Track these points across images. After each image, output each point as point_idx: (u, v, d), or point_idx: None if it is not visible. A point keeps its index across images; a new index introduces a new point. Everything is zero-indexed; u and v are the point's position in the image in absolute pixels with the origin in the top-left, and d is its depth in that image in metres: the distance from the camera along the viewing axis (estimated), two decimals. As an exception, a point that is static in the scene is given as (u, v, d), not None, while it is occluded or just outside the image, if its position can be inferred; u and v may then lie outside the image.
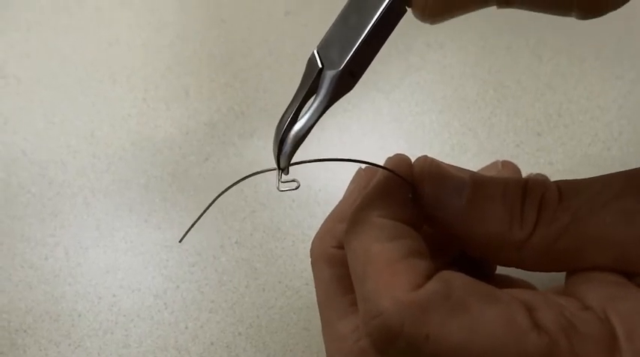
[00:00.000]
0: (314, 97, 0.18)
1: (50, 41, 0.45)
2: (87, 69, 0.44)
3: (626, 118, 0.39)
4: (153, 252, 0.35)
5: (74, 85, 0.43)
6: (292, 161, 0.19)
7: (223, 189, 0.22)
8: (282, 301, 0.33)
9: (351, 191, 0.24)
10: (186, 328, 0.32)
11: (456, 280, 0.17)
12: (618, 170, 0.36)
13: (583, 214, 0.18)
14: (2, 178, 0.38)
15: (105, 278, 0.34)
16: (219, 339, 0.32)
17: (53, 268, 0.34)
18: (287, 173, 0.20)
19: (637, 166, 0.36)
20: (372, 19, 0.17)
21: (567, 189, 0.19)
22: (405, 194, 0.20)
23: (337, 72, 0.18)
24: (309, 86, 0.19)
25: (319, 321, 0.32)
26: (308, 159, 0.20)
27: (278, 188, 0.20)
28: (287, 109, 0.19)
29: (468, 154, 0.38)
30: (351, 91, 0.41)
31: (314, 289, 0.32)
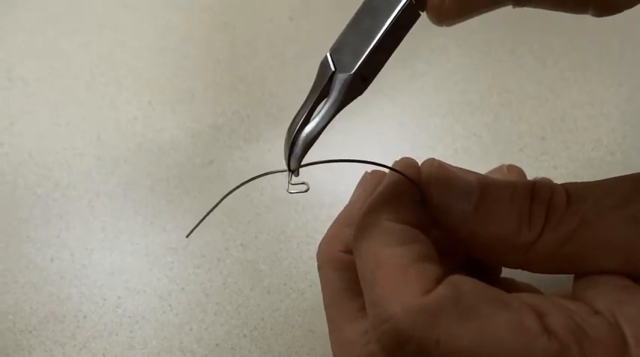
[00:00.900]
0: (325, 100, 0.19)
1: (56, 44, 0.46)
2: (93, 72, 0.44)
3: (629, 123, 0.39)
4: (158, 254, 0.35)
5: (80, 88, 0.43)
6: (302, 163, 0.20)
7: (233, 187, 0.22)
8: (287, 304, 0.33)
9: (358, 195, 0.24)
10: (191, 329, 0.32)
11: (466, 284, 0.17)
12: (622, 175, 0.37)
13: (591, 218, 0.18)
14: (8, 180, 0.38)
15: (110, 280, 0.34)
16: (224, 341, 0.32)
17: (59, 269, 0.35)
18: (297, 175, 0.20)
19: (640, 171, 0.37)
20: (385, 23, 0.17)
21: (575, 192, 0.19)
22: (413, 197, 0.20)
23: (349, 76, 0.18)
24: (322, 89, 0.19)
25: (324, 323, 0.32)
26: (318, 160, 0.20)
27: (288, 190, 0.20)
28: (299, 112, 0.19)
29: (472, 158, 0.38)
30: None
31: (319, 291, 0.32)
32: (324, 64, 0.19)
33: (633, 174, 0.19)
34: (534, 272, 0.20)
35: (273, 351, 0.31)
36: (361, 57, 0.18)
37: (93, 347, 0.32)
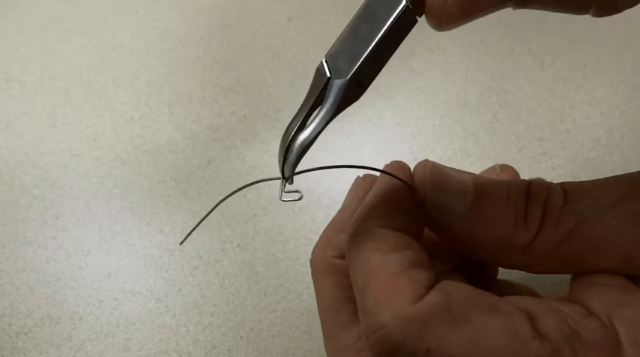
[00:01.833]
0: (320, 105, 0.18)
1: (54, 45, 0.46)
2: (90, 73, 0.44)
3: (627, 123, 0.39)
4: (155, 255, 0.35)
5: (77, 90, 0.43)
6: (296, 170, 0.19)
7: (225, 195, 0.22)
8: (284, 305, 0.33)
9: (350, 200, 0.24)
10: (188, 331, 0.32)
11: (457, 291, 0.17)
12: (619, 174, 0.36)
13: (588, 217, 0.18)
14: (5, 181, 0.38)
15: (106, 281, 0.34)
16: (220, 343, 0.32)
17: (55, 271, 0.34)
18: (291, 183, 0.20)
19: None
20: (381, 29, 0.17)
21: (572, 191, 0.18)
22: (406, 201, 0.20)
23: (344, 81, 0.18)
24: (317, 95, 0.19)
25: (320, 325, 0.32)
26: (312, 167, 0.20)
27: (280, 198, 0.20)
28: (294, 118, 0.19)
29: (470, 158, 0.38)
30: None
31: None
32: (319, 70, 0.19)
33: (630, 173, 0.19)
34: (532, 272, 0.20)
35: (269, 353, 0.31)
36: (357, 62, 0.17)
37: (89, 349, 0.32)
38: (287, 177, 0.19)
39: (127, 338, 0.32)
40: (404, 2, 0.17)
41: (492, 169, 0.26)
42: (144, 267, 0.34)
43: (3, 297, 0.33)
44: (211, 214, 0.36)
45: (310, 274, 0.33)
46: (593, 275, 0.18)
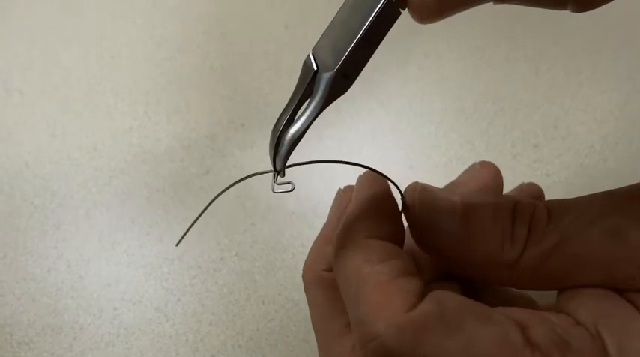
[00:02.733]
0: (309, 99, 0.19)
1: (53, 55, 0.46)
2: (89, 82, 0.44)
3: (622, 129, 0.39)
4: (154, 264, 0.35)
5: (77, 99, 0.43)
6: (288, 164, 0.20)
7: (224, 193, 0.22)
8: (282, 313, 0.33)
9: (334, 213, 0.25)
10: (187, 340, 0.33)
11: (449, 299, 0.18)
12: (615, 181, 0.37)
13: (571, 234, 0.18)
14: (5, 191, 0.39)
15: (106, 291, 0.34)
16: (219, 351, 0.32)
17: (55, 280, 0.35)
18: (283, 175, 0.20)
19: (633, 177, 0.37)
20: (365, 21, 0.17)
21: (555, 209, 0.19)
22: (389, 207, 0.21)
23: (331, 74, 0.18)
24: (305, 88, 0.19)
25: (319, 333, 0.32)
26: (303, 161, 0.20)
27: (273, 190, 0.20)
28: (283, 112, 0.20)
29: (465, 165, 0.38)
30: (350, 102, 0.41)
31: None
32: (306, 63, 0.19)
33: (610, 190, 0.19)
34: (519, 288, 0.20)
35: (268, 361, 0.32)
36: (343, 55, 0.18)
37: (90, 358, 0.32)
38: (279, 170, 0.20)
39: (127, 347, 0.32)
40: None
41: (472, 167, 0.26)
42: (143, 276, 0.35)
43: (4, 307, 0.34)
44: (210, 222, 0.37)
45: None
46: (579, 288, 0.18)
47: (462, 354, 0.17)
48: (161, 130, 0.41)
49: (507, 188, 0.28)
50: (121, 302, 0.34)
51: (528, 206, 0.19)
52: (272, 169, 0.20)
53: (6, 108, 0.43)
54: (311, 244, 0.35)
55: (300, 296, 0.33)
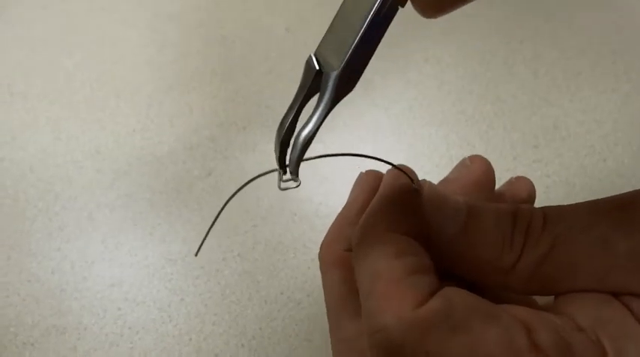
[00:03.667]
0: (317, 100, 0.19)
1: (56, 60, 0.46)
2: (92, 86, 0.45)
3: (621, 130, 0.39)
4: (157, 265, 0.35)
5: (80, 103, 0.44)
6: (318, 155, 0.20)
7: (230, 197, 0.22)
8: (284, 313, 0.33)
9: (355, 195, 0.25)
10: (190, 340, 0.33)
11: (458, 298, 0.18)
12: (614, 181, 0.37)
13: (563, 240, 0.18)
14: (10, 194, 0.39)
15: (110, 292, 0.35)
16: (222, 351, 0.32)
17: (60, 282, 0.35)
18: (296, 176, 0.20)
19: (632, 177, 0.37)
20: (365, 19, 0.18)
21: (551, 215, 0.19)
22: (411, 203, 0.21)
23: (336, 74, 0.18)
24: (307, 89, 0.19)
25: (321, 333, 0.33)
26: (313, 156, 0.21)
27: (279, 187, 0.21)
28: (287, 112, 0.20)
29: (466, 166, 0.39)
30: (351, 106, 0.41)
31: (315, 301, 0.33)
32: (308, 64, 0.19)
33: (601, 199, 0.19)
34: (515, 293, 0.20)
35: (270, 360, 0.32)
36: (346, 54, 0.18)
37: (94, 359, 0.32)
38: (292, 172, 0.20)
39: (130, 347, 0.33)
40: None
41: (462, 162, 0.26)
42: (147, 277, 0.35)
43: (9, 308, 0.34)
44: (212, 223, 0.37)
45: (310, 282, 0.34)
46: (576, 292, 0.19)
47: (467, 354, 0.17)
48: (163, 132, 0.42)
49: (498, 183, 0.29)
50: (124, 303, 0.34)
51: (527, 212, 0.19)
52: (276, 168, 0.21)
53: (10, 112, 0.44)
54: (313, 245, 0.35)
55: (302, 296, 0.34)
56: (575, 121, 0.40)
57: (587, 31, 0.44)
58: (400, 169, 0.21)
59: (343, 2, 0.19)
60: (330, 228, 0.24)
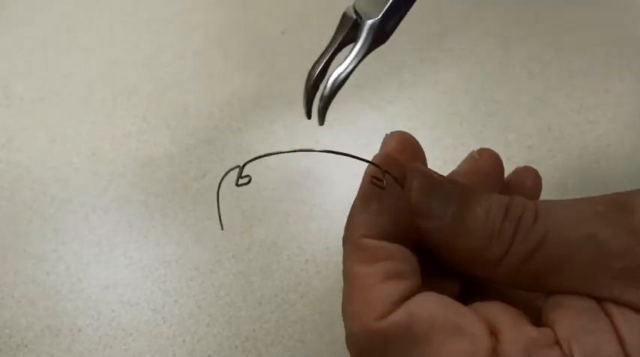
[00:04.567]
0: (352, 47, 0.20)
1: (53, 62, 0.47)
2: (89, 88, 0.45)
3: (614, 131, 0.39)
4: (152, 267, 0.36)
5: (76, 104, 0.44)
6: (268, 153, 0.21)
7: (223, 201, 0.22)
8: (278, 315, 0.33)
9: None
10: (184, 341, 0.33)
11: (423, 310, 0.18)
12: (607, 182, 0.37)
13: (553, 236, 0.18)
14: (6, 196, 0.39)
15: (105, 293, 0.35)
16: (216, 352, 0.32)
17: (54, 283, 0.35)
18: (322, 123, 0.20)
19: (625, 178, 0.37)
20: None
21: (543, 210, 0.19)
22: (390, 199, 0.20)
23: (375, 21, 0.19)
24: (343, 37, 0.20)
25: (314, 334, 0.33)
26: (275, 151, 0.21)
27: (237, 184, 0.21)
28: (318, 59, 0.21)
29: (460, 168, 0.39)
30: (346, 106, 0.41)
31: (309, 302, 0.33)
32: (346, 14, 0.20)
33: (593, 197, 0.19)
34: (503, 286, 0.20)
35: (264, 361, 0.32)
36: (385, 4, 0.19)
37: (88, 360, 0.33)
38: (322, 114, 0.20)
39: (124, 349, 0.33)
40: None
41: (470, 155, 0.25)
42: (141, 279, 0.35)
43: (4, 309, 0.34)
44: (207, 225, 0.37)
45: (304, 283, 0.34)
46: (562, 295, 0.19)
47: None
48: (159, 134, 0.42)
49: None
50: (118, 304, 0.34)
51: (519, 204, 0.19)
52: (236, 165, 0.21)
53: (6, 114, 0.44)
54: (307, 247, 0.35)
55: (296, 297, 0.34)
56: (569, 122, 0.40)
57: (581, 32, 0.44)
58: (377, 166, 0.21)
59: None
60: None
